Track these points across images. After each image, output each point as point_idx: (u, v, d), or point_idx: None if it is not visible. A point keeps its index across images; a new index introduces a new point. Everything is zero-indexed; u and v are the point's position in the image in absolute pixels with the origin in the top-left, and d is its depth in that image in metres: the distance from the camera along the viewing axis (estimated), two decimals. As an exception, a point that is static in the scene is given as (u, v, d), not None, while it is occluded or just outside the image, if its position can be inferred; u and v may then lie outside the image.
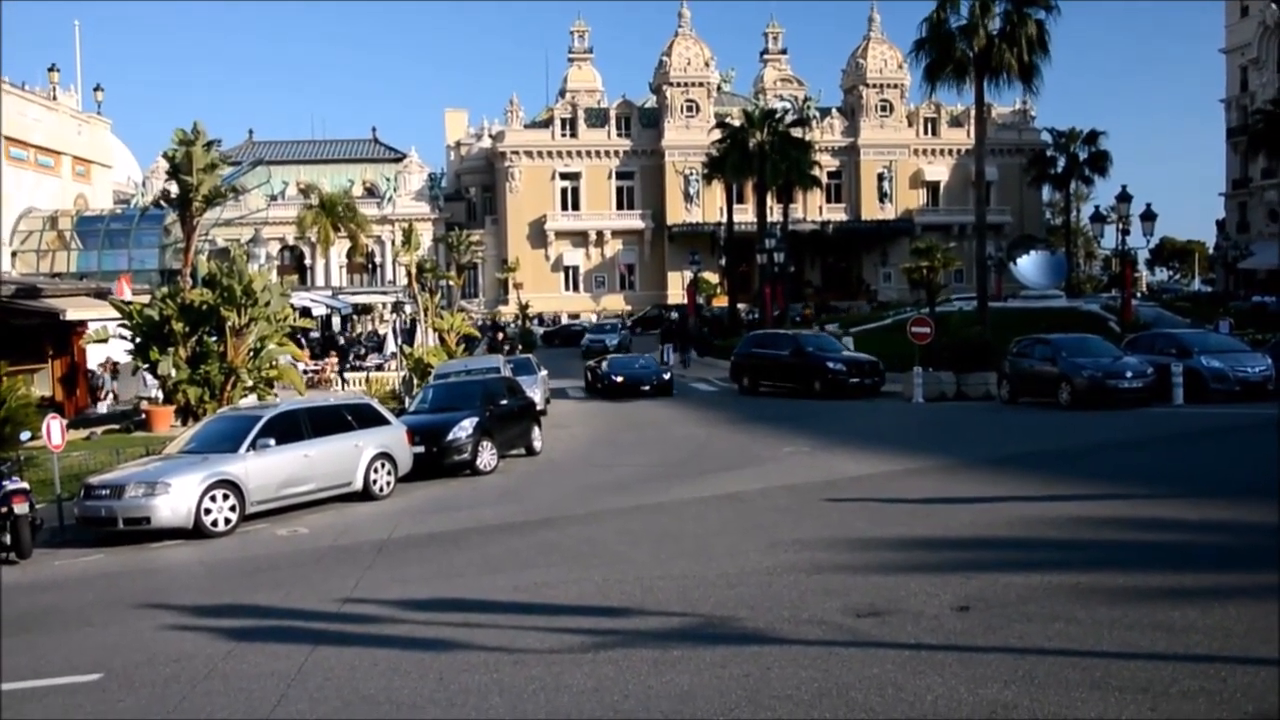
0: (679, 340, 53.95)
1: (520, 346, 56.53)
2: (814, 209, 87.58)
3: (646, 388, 34.23)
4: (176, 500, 15.49)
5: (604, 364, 36.37)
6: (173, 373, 24.92)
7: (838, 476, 17.23)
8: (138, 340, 25.78)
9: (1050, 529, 12.25)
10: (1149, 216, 34.72)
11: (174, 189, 27.96)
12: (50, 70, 43.89)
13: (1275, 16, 72.21)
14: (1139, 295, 55.81)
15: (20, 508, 14.59)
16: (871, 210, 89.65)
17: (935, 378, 30.35)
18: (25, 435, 17.42)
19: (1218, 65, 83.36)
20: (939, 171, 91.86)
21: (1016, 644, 7.91)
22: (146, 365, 26.06)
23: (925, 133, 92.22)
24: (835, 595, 9.59)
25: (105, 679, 8.68)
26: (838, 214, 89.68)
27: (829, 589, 9.84)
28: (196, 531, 15.59)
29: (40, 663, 9.32)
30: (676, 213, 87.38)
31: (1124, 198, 35.50)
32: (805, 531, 12.80)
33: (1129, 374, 25.60)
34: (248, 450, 16.66)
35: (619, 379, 34.62)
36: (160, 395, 26.82)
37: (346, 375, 40.00)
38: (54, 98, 43.62)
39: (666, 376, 34.97)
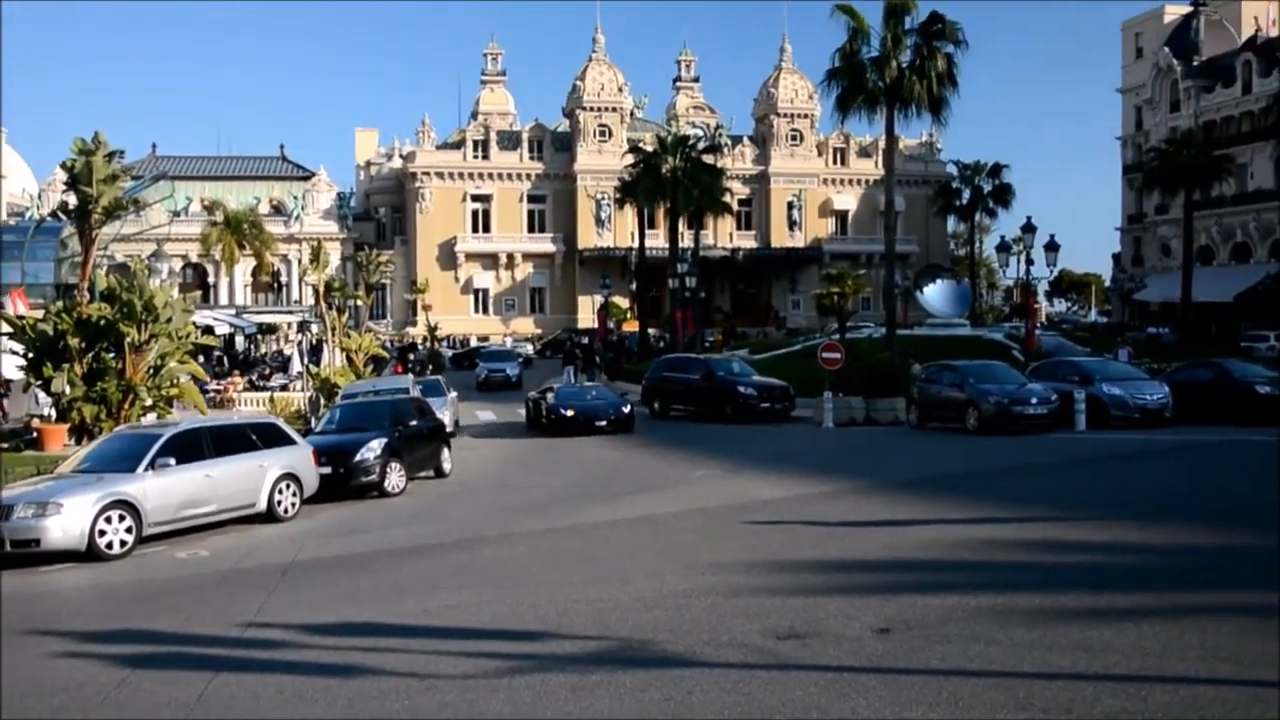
0: (582, 362, 53.99)
1: (429, 368, 55.89)
2: (725, 235, 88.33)
3: (602, 423, 29.24)
4: (69, 521, 14.82)
5: (549, 395, 30.98)
6: (67, 389, 23.97)
7: (751, 499, 17.24)
8: (30, 356, 24.75)
9: (965, 551, 12.34)
10: (1052, 247, 35.65)
11: (72, 200, 26.98)
12: (-60, 76, 42.26)
13: (1167, 59, 75.07)
14: (1040, 325, 57.21)
15: (-102, 529, 13.80)
16: (781, 238, 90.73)
17: (845, 403, 30.60)
18: (-96, 452, 16.54)
19: (1114, 104, 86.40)
20: (847, 201, 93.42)
21: (938, 666, 7.89)
22: (39, 382, 25.04)
23: (834, 162, 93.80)
24: (754, 618, 9.52)
25: (-12, 709, 8.19)
26: (748, 241, 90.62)
27: (748, 612, 9.76)
28: (90, 554, 14.94)
29: (-85, 693, 8.74)
30: (588, 237, 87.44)
31: (1028, 228, 36.41)
32: (721, 554, 12.75)
33: (1034, 400, 26.11)
34: (146, 469, 16.06)
35: (568, 412, 29.41)
36: (53, 413, 25.75)
37: (250, 395, 39.02)
38: (-56, 104, 42.00)
39: (626, 410, 29.95)
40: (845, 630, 8.95)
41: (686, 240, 63.66)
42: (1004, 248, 41.38)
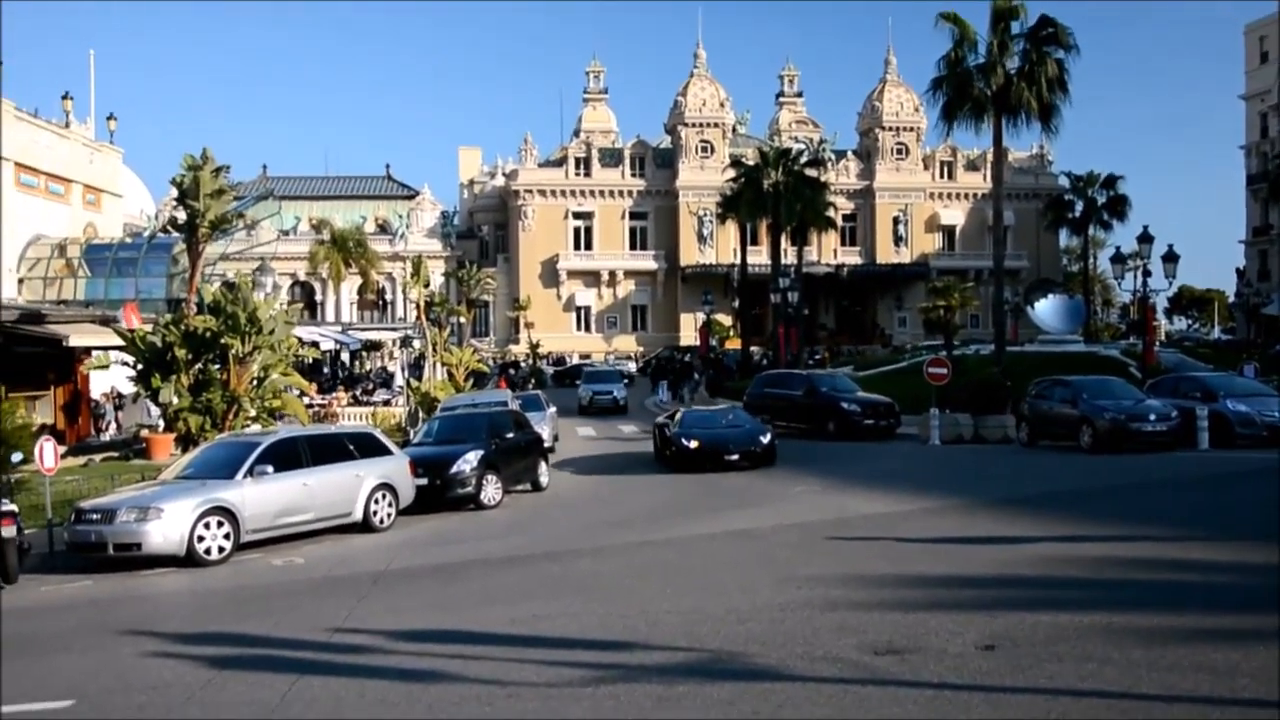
0: (674, 378, 53.95)
1: (531, 384, 56.30)
2: (828, 251, 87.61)
3: (734, 456, 24.28)
4: (169, 526, 15.15)
5: (675, 421, 26.39)
6: (174, 400, 24.66)
7: (851, 514, 17.06)
8: (140, 367, 25.53)
9: (1076, 569, 11.91)
10: (1171, 258, 34.27)
11: (181, 215, 27.83)
12: (64, 98, 44.09)
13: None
14: (1159, 342, 55.30)
15: (7, 531, 14.25)
16: (886, 254, 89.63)
17: (952, 419, 29.95)
18: (17, 457, 17.12)
19: (1237, 111, 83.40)
20: (955, 215, 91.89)
21: (1047, 685, 7.54)
22: (149, 393, 25.81)
23: (941, 176, 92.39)
24: (851, 632, 9.30)
25: (77, 706, 8.35)
26: (852, 257, 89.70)
27: (844, 626, 9.54)
28: (189, 559, 15.25)
29: (11, 689, 8.94)
30: (690, 253, 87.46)
31: (1145, 238, 35.12)
32: (818, 568, 12.58)
33: (1152, 416, 25.12)
34: (244, 477, 16.34)
35: (691, 444, 24.48)
36: (161, 423, 26.53)
37: (353, 410, 39.72)
38: (67, 125, 43.77)
39: (766, 439, 24.89)
40: (947, 646, 8.67)
41: (789, 256, 63.19)
42: (1120, 259, 39.95)
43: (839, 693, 7.60)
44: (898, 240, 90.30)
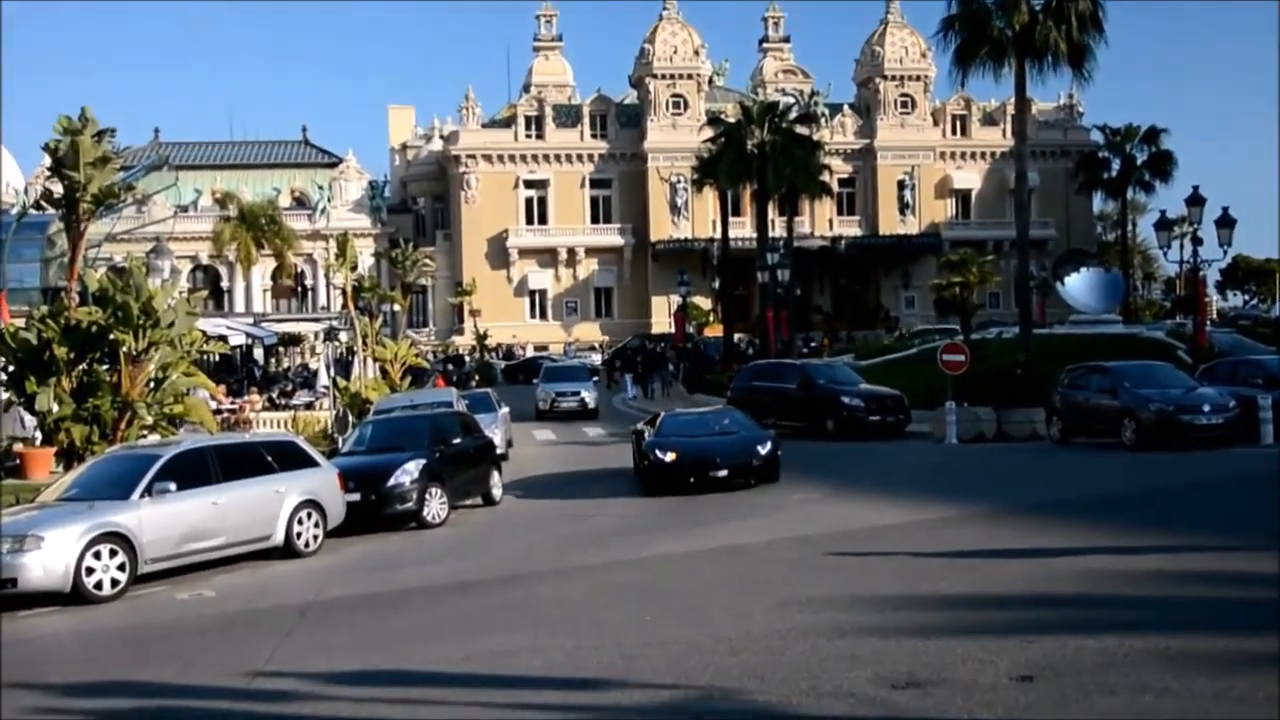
0: (642, 369, 54.01)
1: (475, 381, 56.18)
2: (823, 222, 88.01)
3: (722, 473, 22.29)
4: (51, 557, 14.88)
5: (652, 429, 24.46)
6: (54, 407, 24.30)
7: (857, 526, 17.17)
8: (11, 369, 25.15)
9: (1125, 585, 12.01)
10: (1226, 223, 34.37)
11: (58, 189, 27.43)
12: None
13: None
14: (1211, 321, 55.85)
15: None
16: (891, 224, 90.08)
17: (972, 414, 30.09)
18: None
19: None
20: (969, 178, 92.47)
21: (1098, 720, 7.53)
22: (22, 399, 25.45)
23: (953, 133, 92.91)
24: (864, 663, 9.33)
25: (-55, 772, 8.15)
26: (851, 228, 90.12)
27: (856, 655, 9.59)
28: (76, 595, 15.00)
29: None
30: (661, 227, 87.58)
31: (1195, 201, 35.19)
32: (822, 589, 12.67)
33: (1206, 408, 25.32)
34: (141, 496, 16.12)
35: (668, 456, 22.52)
36: (39, 435, 26.13)
37: (270, 415, 39.42)
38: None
39: (766, 449, 22.90)
40: (977, 677, 8.71)
41: (778, 228, 63.34)
42: (1165, 225, 40.14)
43: (853, 734, 7.57)
44: (904, 208, 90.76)
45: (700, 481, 22.22)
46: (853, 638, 10.25)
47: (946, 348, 32.27)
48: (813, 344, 64.40)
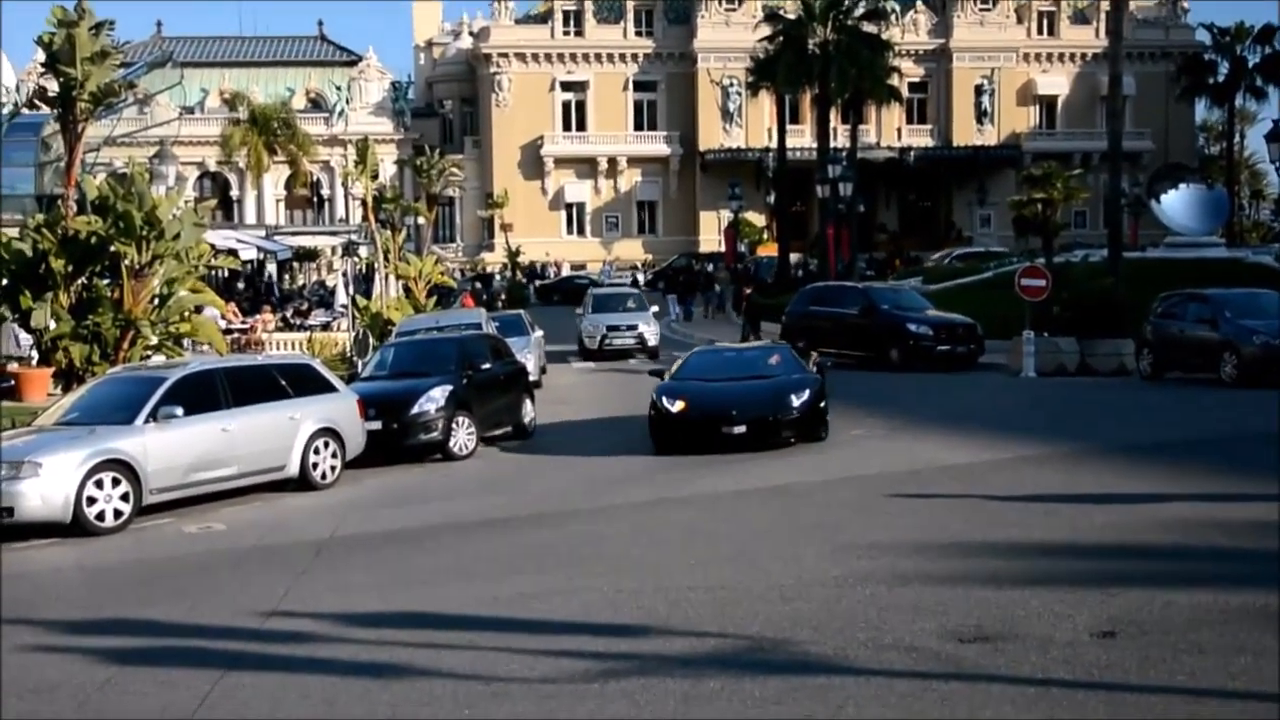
0: (683, 290, 53.92)
1: (502, 301, 56.32)
2: (891, 131, 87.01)
3: (740, 429, 19.45)
4: (49, 486, 15.12)
5: (672, 370, 22.20)
6: (51, 325, 24.60)
7: (923, 465, 17.23)
8: (4, 283, 25.43)
9: (1219, 535, 11.98)
10: (1345, 134, 33.72)
11: (53, 86, 27.51)
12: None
13: None
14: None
15: None
16: (966, 134, 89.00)
17: (1052, 345, 29.97)
18: None
19: None
20: (1056, 83, 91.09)
21: (1186, 683, 7.58)
22: (17, 316, 25.76)
23: (1039, 32, 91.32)
24: (928, 614, 9.39)
25: (-63, 713, 8.40)
26: (922, 138, 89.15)
27: (919, 606, 9.65)
28: (77, 526, 15.26)
29: None
30: (712, 135, 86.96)
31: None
32: (883, 533, 12.71)
33: (1318, 340, 25.01)
34: (146, 421, 16.30)
35: (675, 406, 19.89)
36: (35, 355, 26.49)
37: (284, 336, 39.74)
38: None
39: (805, 398, 19.82)
40: (1053, 632, 8.75)
41: (840, 138, 62.78)
42: (1277, 136, 39.45)
43: (915, 690, 7.66)
44: (981, 116, 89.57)
45: (710, 439, 19.40)
46: (916, 586, 10.28)
47: (1025, 271, 31.96)
48: (876, 266, 63.95)
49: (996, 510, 13.69)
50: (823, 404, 20.18)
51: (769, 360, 22.01)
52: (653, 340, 38.53)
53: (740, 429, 19.44)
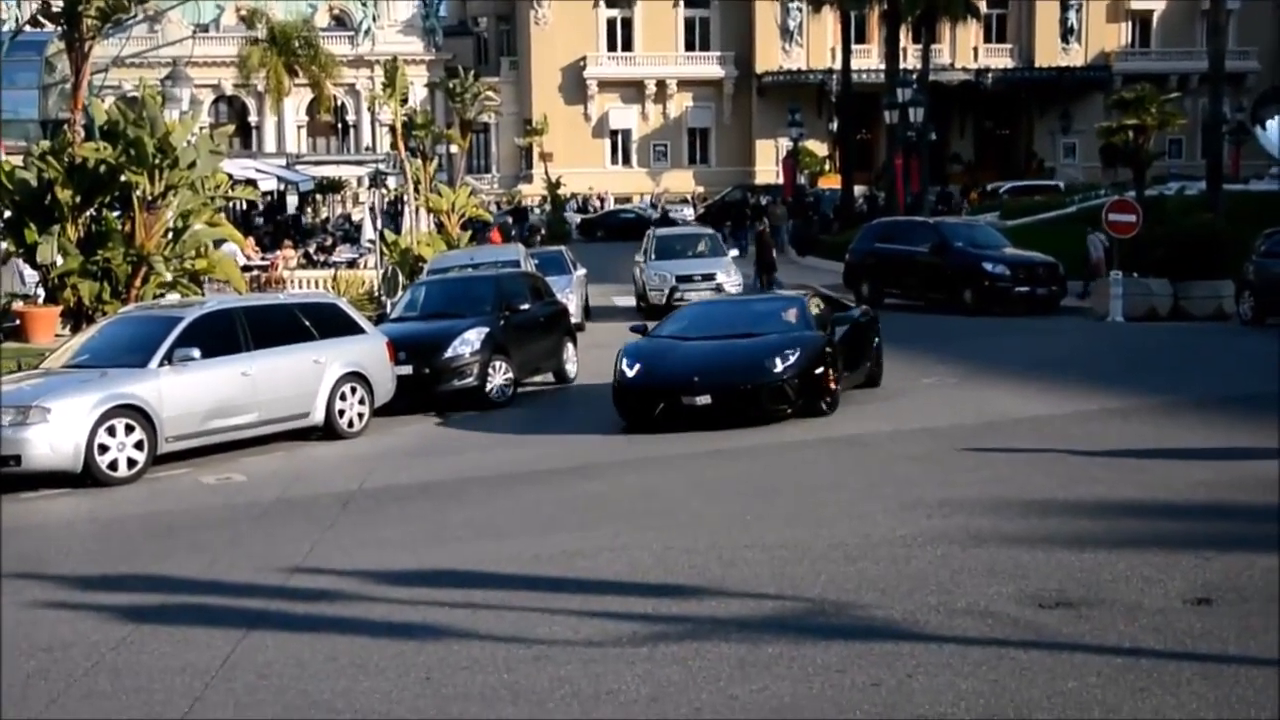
0: (733, 224, 53.77)
1: (540, 236, 56.36)
2: (966, 52, 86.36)
3: (704, 398, 17.30)
4: (58, 432, 15.29)
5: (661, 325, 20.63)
6: (58, 260, 24.80)
7: (999, 416, 17.18)
8: (7, 215, 25.64)
9: (1328, 494, 11.83)
10: None
11: (57, 2, 27.63)
12: None
13: None
14: None
15: None
16: (1050, 54, 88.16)
17: (1143, 286, 29.81)
18: None
19: None
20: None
21: (1293, 653, 7.54)
22: (21, 251, 25.99)
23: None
24: (1005, 577, 9.37)
25: (-58, 673, 8.55)
26: (1000, 59, 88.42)
27: (994, 568, 9.62)
28: (88, 476, 15.45)
29: None
30: (770, 56, 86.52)
31: None
32: (956, 489, 12.65)
33: None
34: (161, 364, 16.45)
35: (632, 370, 17.90)
36: (41, 292, 26.74)
37: (306, 274, 39.97)
38: None
39: (787, 364, 17.32)
40: (1142, 598, 8.70)
41: (911, 58, 62.35)
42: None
43: (991, 658, 7.63)
44: (1067, 34, 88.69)
45: (670, 410, 17.40)
46: (992, 547, 10.25)
47: (1114, 205, 31.76)
48: (950, 200, 63.51)
49: (1079, 466, 13.58)
50: (821, 369, 17.63)
51: (783, 314, 19.44)
52: (734, 292, 32.96)
53: (704, 399, 17.23)
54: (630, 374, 17.82)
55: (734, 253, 38.90)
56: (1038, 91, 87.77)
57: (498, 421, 19.49)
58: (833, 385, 17.91)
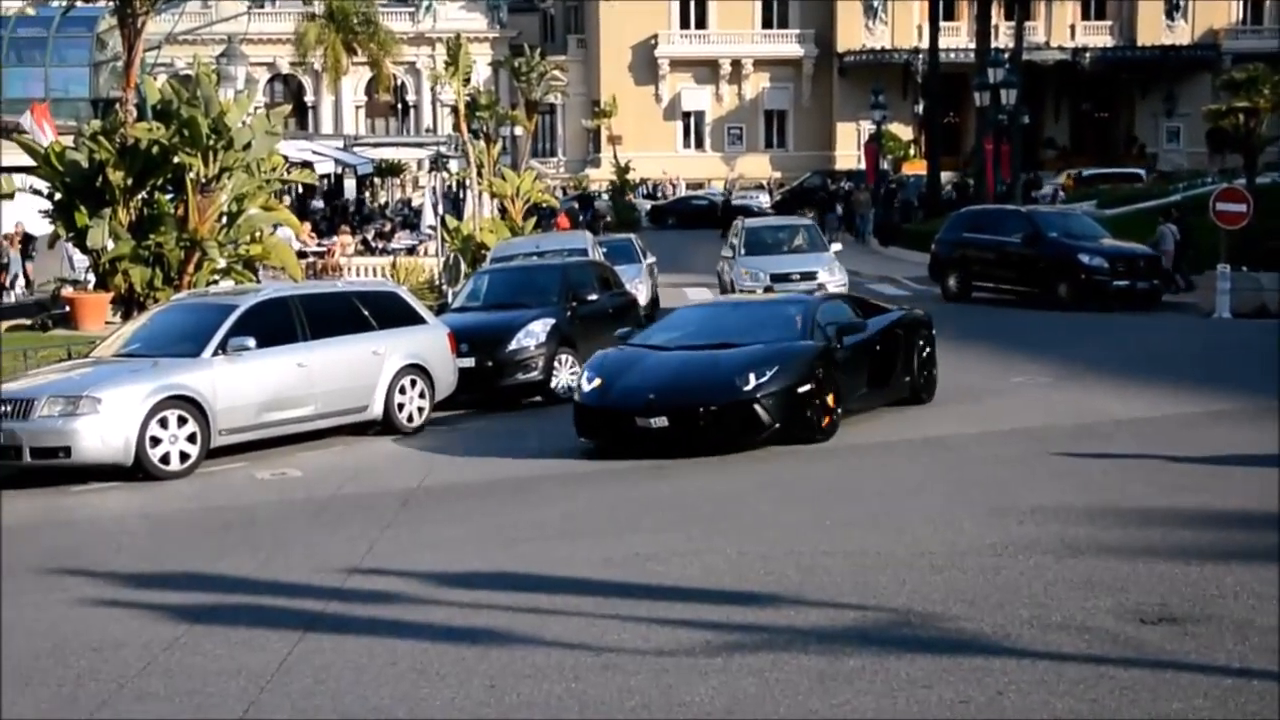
0: (818, 214, 53.95)
1: (605, 222, 56.41)
2: (1062, 29, 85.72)
3: (660, 422, 15.60)
4: (109, 424, 15.43)
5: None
6: (109, 245, 25.10)
7: (1096, 419, 16.99)
8: (58, 197, 25.96)
9: None
10: None
11: (110, -25, 28.04)
12: None
13: None
14: None
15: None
16: (1153, 32, 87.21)
17: (1252, 281, 29.45)
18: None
19: None
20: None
21: None
22: (71, 235, 26.31)
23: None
24: (1103, 590, 9.28)
25: (-8, 672, 8.68)
26: (1099, 37, 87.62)
27: (1092, 580, 9.54)
28: (139, 469, 15.59)
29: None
30: (852, 34, 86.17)
31: None
32: (1049, 495, 12.54)
33: None
34: (215, 354, 16.57)
35: (590, 384, 16.49)
36: (91, 278, 27.07)
37: (364, 261, 40.23)
38: None
39: (754, 384, 15.45)
40: (1253, 615, 8.59)
41: (1003, 36, 61.83)
42: None
43: (1089, 676, 7.57)
44: (1172, 10, 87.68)
45: (624, 431, 15.98)
46: (1089, 558, 10.17)
47: (1222, 194, 31.34)
48: (1047, 187, 62.96)
49: (1183, 472, 13.43)
50: (809, 386, 15.71)
51: (787, 319, 17.51)
52: (838, 290, 28.85)
53: (659, 421, 15.60)
54: (586, 389, 16.39)
55: (837, 247, 36.36)
56: (1139, 72, 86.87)
57: (563, 417, 19.42)
58: (830, 405, 16.00)
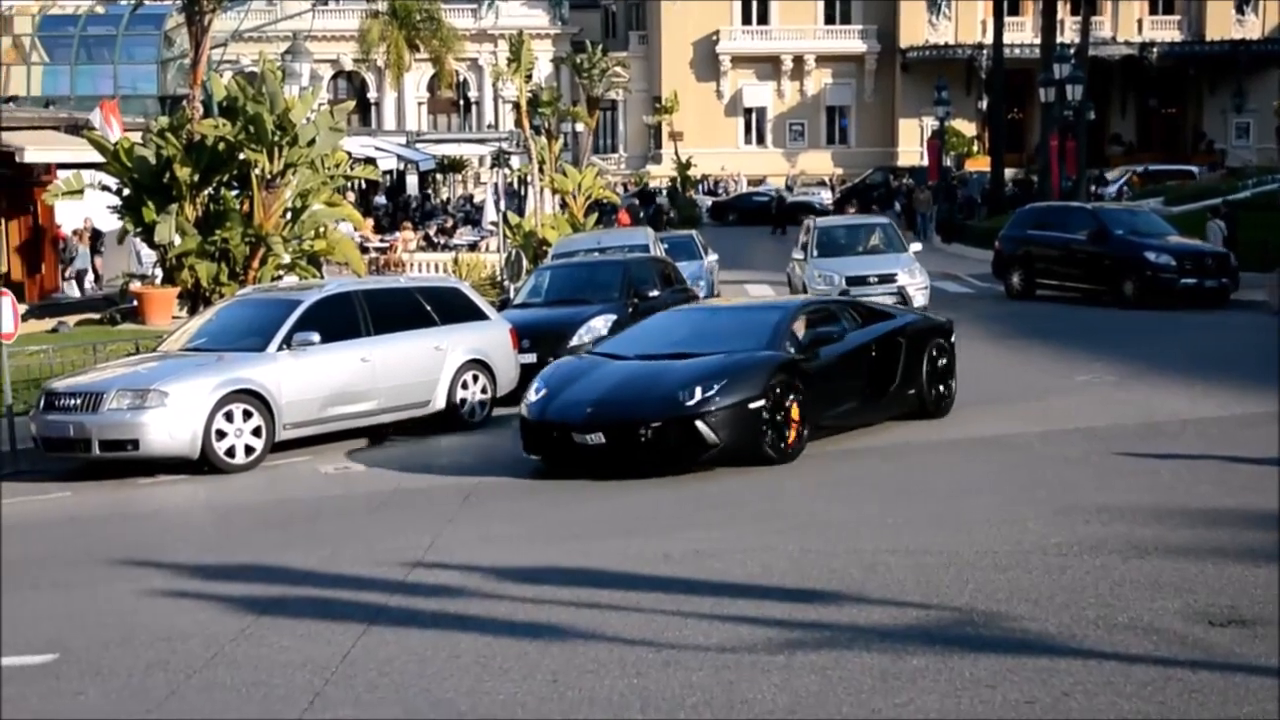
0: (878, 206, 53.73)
1: (667, 218, 56.35)
2: (1129, 24, 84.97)
3: (596, 438, 14.51)
4: (176, 417, 15.63)
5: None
6: (176, 240, 25.31)
7: (1163, 418, 16.86)
8: (126, 194, 26.21)
9: None
10: None
11: (178, -25, 28.29)
12: None
13: None
14: None
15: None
16: (1222, 26, 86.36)
17: (1321, 279, 29.05)
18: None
19: None
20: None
21: None
22: (139, 230, 26.55)
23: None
24: (1170, 591, 9.18)
25: (60, 662, 8.77)
26: (1167, 31, 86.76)
27: (1159, 581, 9.44)
28: (205, 463, 15.79)
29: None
30: (915, 30, 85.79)
31: None
32: (1115, 495, 12.45)
33: None
34: (280, 348, 16.74)
35: (537, 395, 15.24)
36: (159, 273, 27.32)
37: (426, 257, 40.43)
38: None
39: (714, 392, 14.24)
40: (1323, 617, 8.50)
41: (1069, 31, 61.36)
42: None
43: (1156, 678, 7.50)
44: (1242, 4, 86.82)
45: (564, 448, 14.88)
46: (1156, 558, 10.07)
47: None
48: (1114, 185, 62.47)
49: (1252, 474, 13.24)
50: (762, 402, 14.33)
51: (757, 327, 16.21)
52: (920, 298, 28.71)
53: (595, 438, 14.50)
54: (531, 400, 15.19)
55: (916, 247, 33.74)
56: (1208, 67, 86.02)
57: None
58: (795, 421, 14.70)
